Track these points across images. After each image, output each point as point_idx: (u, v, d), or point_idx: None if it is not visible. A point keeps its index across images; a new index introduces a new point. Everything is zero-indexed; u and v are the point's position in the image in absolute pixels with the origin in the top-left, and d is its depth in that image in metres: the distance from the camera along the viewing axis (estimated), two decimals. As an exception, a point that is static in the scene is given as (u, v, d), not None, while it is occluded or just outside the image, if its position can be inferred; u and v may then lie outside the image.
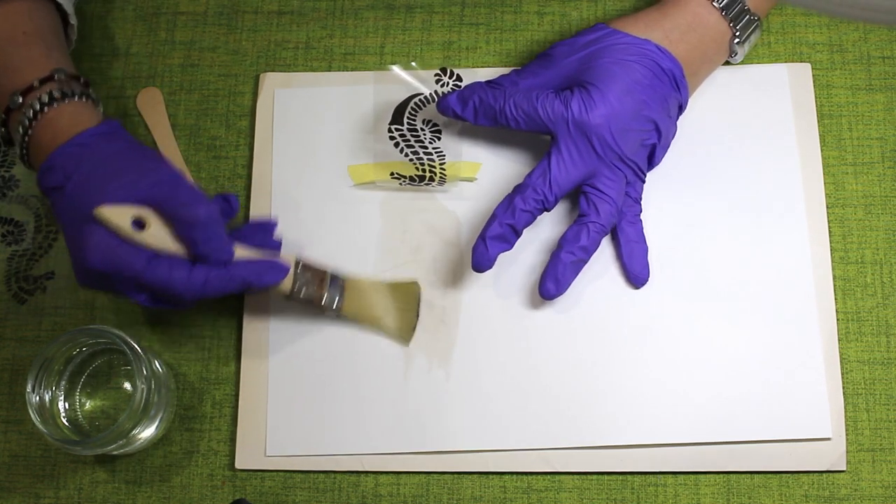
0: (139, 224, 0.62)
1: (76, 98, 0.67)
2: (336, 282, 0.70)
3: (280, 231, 0.70)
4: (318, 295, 0.69)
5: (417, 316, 0.72)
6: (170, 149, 0.77)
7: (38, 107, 0.65)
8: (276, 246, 0.69)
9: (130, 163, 0.65)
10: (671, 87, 0.69)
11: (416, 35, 0.79)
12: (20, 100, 0.66)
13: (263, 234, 0.69)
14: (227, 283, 0.64)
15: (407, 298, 0.72)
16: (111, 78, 0.79)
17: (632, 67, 0.68)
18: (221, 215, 0.65)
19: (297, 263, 0.68)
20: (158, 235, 0.63)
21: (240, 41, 0.80)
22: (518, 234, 0.69)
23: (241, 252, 0.65)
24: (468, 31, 0.79)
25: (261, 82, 0.78)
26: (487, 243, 0.68)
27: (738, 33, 0.71)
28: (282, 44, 0.79)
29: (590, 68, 0.69)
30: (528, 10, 0.79)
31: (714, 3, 0.70)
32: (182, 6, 0.81)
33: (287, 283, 0.67)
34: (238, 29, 0.80)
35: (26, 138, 0.66)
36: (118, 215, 0.62)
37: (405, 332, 0.71)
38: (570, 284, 0.69)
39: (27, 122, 0.66)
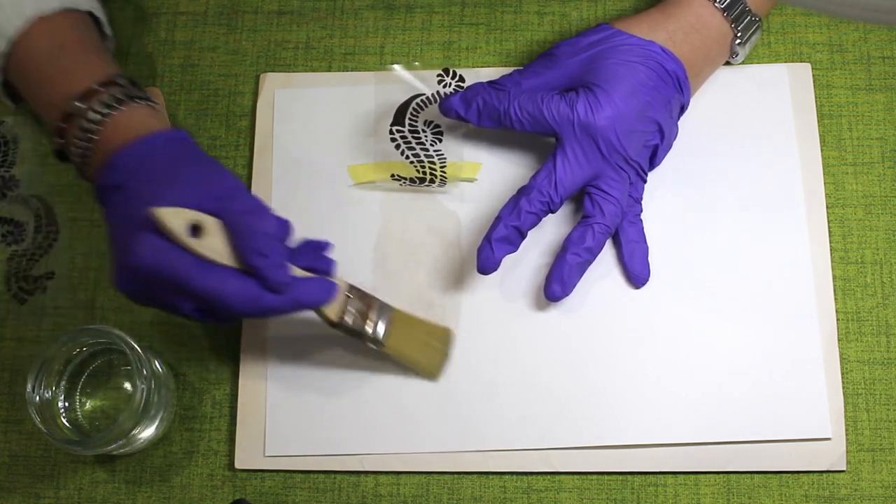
0: (195, 230, 0.59)
1: (142, 102, 0.65)
2: (384, 314, 0.66)
3: (332, 254, 0.66)
4: (364, 326, 0.65)
5: (448, 356, 0.70)
6: (170, 149, 0.77)
7: (103, 110, 0.64)
8: (328, 268, 0.65)
9: (197, 168, 0.63)
10: (674, 89, 0.69)
11: (416, 35, 0.79)
12: (80, 104, 0.64)
13: (315, 254, 0.65)
14: (281, 302, 0.60)
15: (443, 341, 0.70)
16: (111, 78, 0.79)
17: (636, 69, 0.68)
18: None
19: (348, 289, 0.65)
20: (213, 246, 0.59)
21: (240, 41, 0.80)
22: (523, 236, 0.69)
23: (295, 271, 0.62)
24: (468, 31, 0.79)
25: (261, 82, 0.78)
26: (493, 245, 0.68)
27: (739, 34, 0.71)
28: (282, 44, 0.79)
29: (594, 69, 0.69)
30: (528, 10, 0.79)
31: (716, 4, 0.70)
32: (182, 6, 0.81)
33: (334, 310, 0.64)
34: (238, 29, 0.80)
35: (89, 145, 0.64)
36: (175, 217, 0.58)
37: (436, 371, 0.70)
38: (575, 286, 0.69)
39: (92, 127, 0.63)
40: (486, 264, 0.68)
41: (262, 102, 0.77)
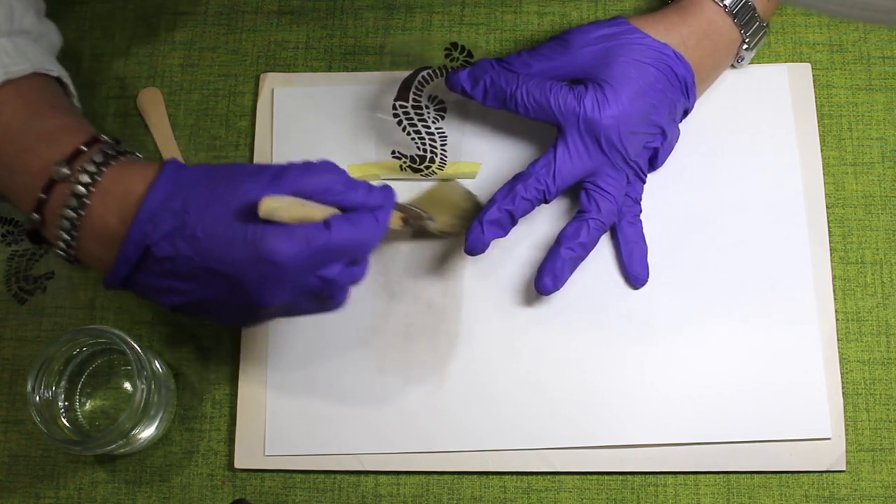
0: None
1: (132, 156, 0.60)
2: (415, 200, 0.69)
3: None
4: (423, 216, 0.68)
5: (477, 200, 0.72)
6: (170, 149, 0.77)
7: (93, 169, 0.56)
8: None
9: (233, 171, 0.58)
10: (681, 94, 0.69)
11: (416, 35, 0.79)
12: (66, 170, 0.56)
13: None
14: (385, 215, 0.60)
15: (460, 193, 0.72)
16: (111, 78, 0.79)
17: (647, 70, 0.68)
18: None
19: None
20: (312, 209, 0.57)
21: (240, 41, 0.80)
22: (514, 222, 0.68)
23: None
24: (468, 31, 0.79)
25: (261, 82, 0.78)
26: (484, 227, 0.68)
27: (747, 40, 0.71)
28: (282, 44, 0.79)
29: (606, 65, 0.68)
30: (528, 10, 0.79)
31: (727, 10, 0.70)
32: (182, 6, 0.81)
33: (397, 216, 0.65)
34: (238, 29, 0.80)
35: (81, 212, 0.56)
36: (281, 202, 0.55)
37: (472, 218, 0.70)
38: (566, 280, 0.69)
39: (82, 192, 0.56)
40: (475, 244, 0.68)
41: (261, 102, 0.77)
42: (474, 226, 0.68)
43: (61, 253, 0.58)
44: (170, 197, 0.56)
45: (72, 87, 0.65)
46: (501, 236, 0.69)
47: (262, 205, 0.55)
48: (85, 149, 0.57)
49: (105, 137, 0.59)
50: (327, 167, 0.59)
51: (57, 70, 0.63)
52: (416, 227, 0.68)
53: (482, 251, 0.68)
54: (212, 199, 0.56)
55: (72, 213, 0.56)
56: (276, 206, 0.55)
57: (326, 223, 0.57)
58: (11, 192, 0.59)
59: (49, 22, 0.67)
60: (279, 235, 0.56)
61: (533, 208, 0.69)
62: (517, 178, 0.68)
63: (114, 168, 0.57)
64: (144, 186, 0.56)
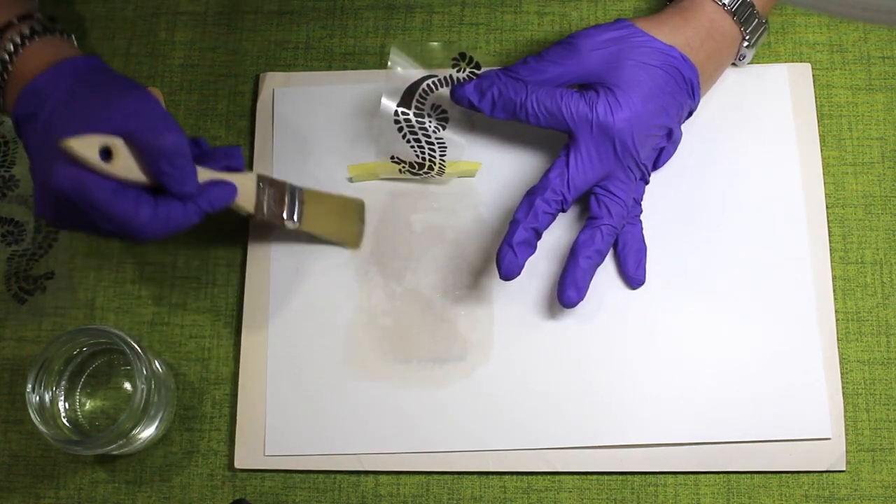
0: (107, 154, 0.60)
1: (59, 35, 0.66)
2: (296, 195, 0.70)
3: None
4: (279, 212, 0.69)
5: (364, 224, 0.74)
6: (170, 148, 0.77)
7: (19, 41, 0.65)
8: (238, 164, 0.67)
9: (104, 91, 0.63)
10: (688, 95, 0.69)
11: (416, 35, 0.79)
12: None
13: (228, 158, 0.67)
14: (187, 218, 0.62)
15: (355, 210, 0.74)
16: (111, 78, 0.79)
17: (655, 73, 0.68)
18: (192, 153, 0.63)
19: (259, 180, 0.68)
20: (126, 166, 0.60)
21: (240, 41, 0.80)
22: (539, 237, 0.68)
23: (203, 174, 0.64)
24: (468, 31, 0.79)
25: (261, 82, 0.78)
26: (516, 250, 0.66)
27: (747, 37, 0.71)
28: (282, 44, 0.79)
29: (616, 68, 0.68)
30: (528, 10, 0.79)
31: (726, 8, 0.70)
32: (182, 6, 0.81)
33: (250, 202, 0.67)
34: (238, 29, 0.80)
35: (5, 76, 0.65)
36: (85, 146, 0.59)
37: (357, 239, 0.74)
38: (588, 289, 0.69)
39: (7, 57, 0.65)
40: (511, 269, 0.67)
41: (261, 102, 0.77)
42: (505, 251, 0.67)
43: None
44: (48, 84, 0.63)
45: None
46: (532, 254, 0.67)
47: (63, 144, 0.58)
48: (15, 21, 0.65)
49: (39, 15, 0.66)
50: (177, 141, 0.60)
51: None
52: (268, 219, 0.69)
53: (518, 275, 0.67)
54: (63, 107, 0.62)
55: (0, 72, 0.65)
56: (76, 150, 0.58)
57: (117, 191, 0.59)
58: None
59: None
60: (63, 171, 0.59)
61: (554, 220, 0.68)
62: (534, 193, 0.68)
63: (41, 42, 0.65)
64: (44, 67, 0.64)
